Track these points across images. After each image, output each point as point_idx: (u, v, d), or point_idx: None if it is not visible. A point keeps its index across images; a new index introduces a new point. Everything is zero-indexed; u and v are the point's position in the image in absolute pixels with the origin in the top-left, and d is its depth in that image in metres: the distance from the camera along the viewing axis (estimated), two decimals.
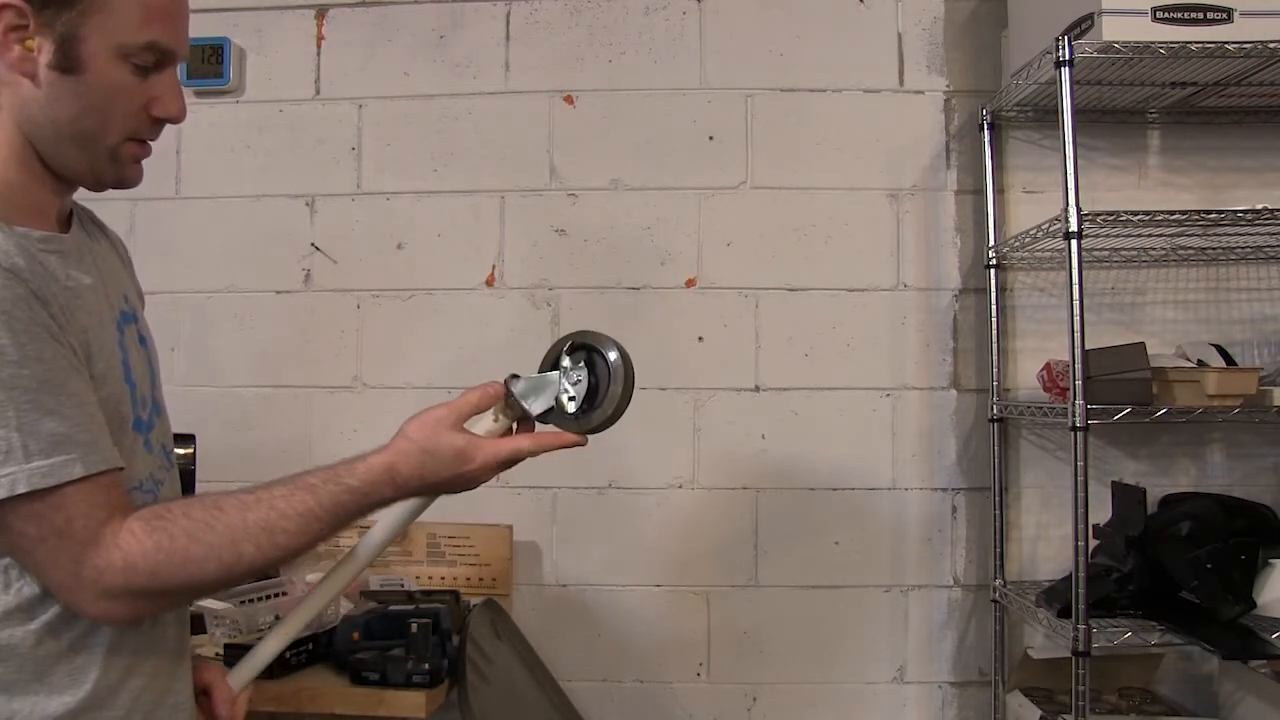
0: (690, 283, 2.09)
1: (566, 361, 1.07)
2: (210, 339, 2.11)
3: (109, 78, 0.94)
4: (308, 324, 2.12)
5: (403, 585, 1.87)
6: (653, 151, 2.10)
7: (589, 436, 1.06)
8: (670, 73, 2.11)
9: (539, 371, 1.08)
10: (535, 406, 1.05)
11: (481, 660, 1.69)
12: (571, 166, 2.11)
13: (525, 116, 2.11)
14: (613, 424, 1.05)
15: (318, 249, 2.13)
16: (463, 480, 1.02)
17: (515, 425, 1.07)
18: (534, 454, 1.04)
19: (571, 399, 1.05)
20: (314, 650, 1.70)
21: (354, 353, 2.12)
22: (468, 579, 2.01)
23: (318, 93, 2.14)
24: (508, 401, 1.05)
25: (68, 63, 0.92)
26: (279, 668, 1.61)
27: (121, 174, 1.00)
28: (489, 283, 2.11)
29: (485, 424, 1.05)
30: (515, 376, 1.07)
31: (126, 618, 0.94)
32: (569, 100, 2.12)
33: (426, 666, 1.61)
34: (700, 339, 2.08)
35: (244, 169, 2.14)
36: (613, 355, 1.06)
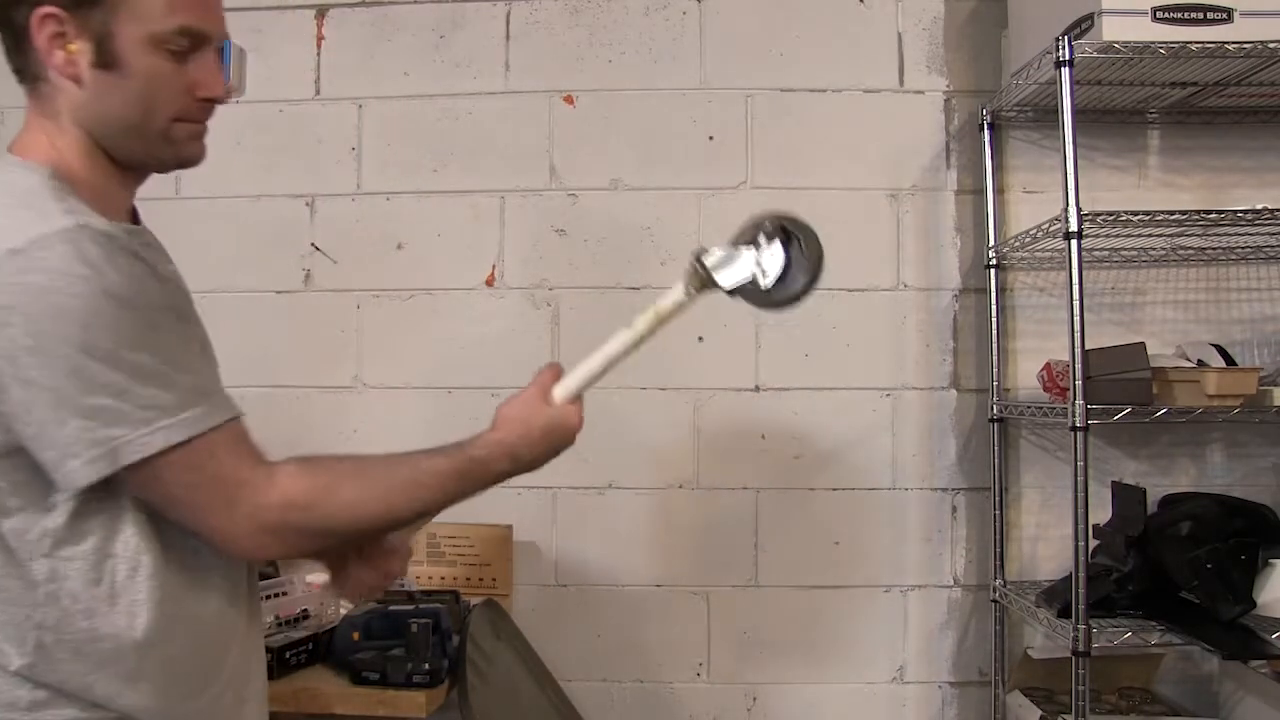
0: None
1: (763, 240, 1.15)
2: (210, 339, 2.11)
3: (146, 67, 0.98)
4: (308, 324, 2.12)
5: (403, 585, 1.87)
6: (653, 151, 2.10)
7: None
8: (670, 73, 2.11)
9: (731, 245, 1.16)
10: (725, 280, 1.15)
11: (481, 660, 1.69)
12: (571, 166, 2.11)
13: (525, 116, 2.11)
14: (797, 303, 1.14)
15: (318, 249, 2.13)
16: (561, 445, 1.14)
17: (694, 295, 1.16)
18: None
19: (765, 274, 1.14)
20: (314, 650, 1.70)
21: (354, 353, 2.12)
22: (468, 579, 2.01)
23: (318, 93, 2.14)
24: (698, 274, 1.15)
25: (106, 59, 0.97)
26: (279, 667, 1.61)
27: (179, 153, 1.05)
28: (489, 283, 2.11)
29: (674, 295, 1.16)
30: (705, 250, 1.15)
31: (280, 554, 1.04)
32: (569, 100, 2.12)
33: (426, 666, 1.61)
34: (700, 339, 2.08)
35: (244, 169, 2.14)
36: (806, 237, 1.15)
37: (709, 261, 1.14)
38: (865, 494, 2.06)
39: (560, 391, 1.16)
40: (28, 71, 1.00)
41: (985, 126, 2.02)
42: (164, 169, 1.07)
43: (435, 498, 1.07)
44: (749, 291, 1.15)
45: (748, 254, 1.15)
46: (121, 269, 0.91)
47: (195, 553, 1.00)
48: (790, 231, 1.15)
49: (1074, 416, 1.62)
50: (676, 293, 1.16)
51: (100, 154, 1.01)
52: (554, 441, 1.13)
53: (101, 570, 0.94)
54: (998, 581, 1.97)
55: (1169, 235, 1.86)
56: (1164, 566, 1.71)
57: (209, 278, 2.14)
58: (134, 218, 1.09)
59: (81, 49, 0.97)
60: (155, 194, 2.30)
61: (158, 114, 1.01)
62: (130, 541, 0.96)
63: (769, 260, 1.14)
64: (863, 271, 2.07)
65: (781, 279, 1.14)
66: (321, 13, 2.15)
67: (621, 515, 2.07)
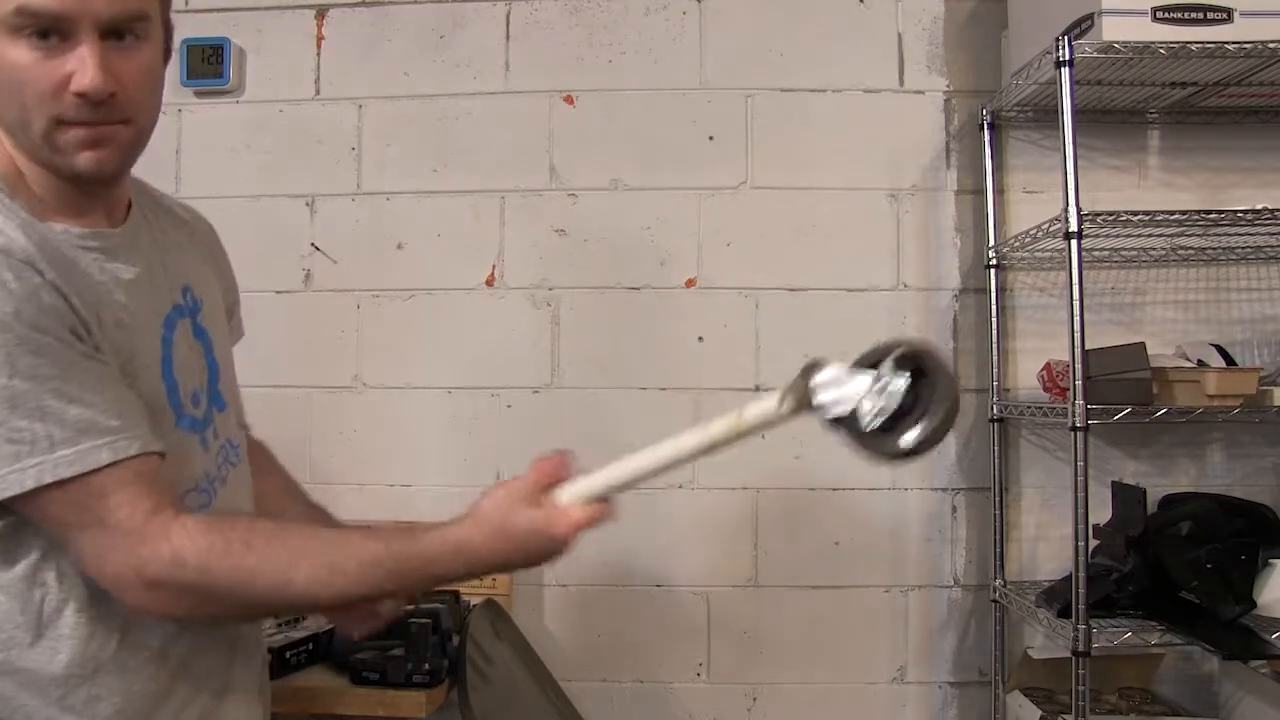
0: (690, 283, 2.09)
1: (887, 368, 0.90)
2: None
3: (8, 58, 0.87)
4: (308, 324, 2.12)
5: None
6: (653, 151, 2.10)
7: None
8: (670, 73, 2.11)
9: (855, 365, 0.92)
10: (825, 399, 0.92)
11: (481, 660, 1.69)
12: (571, 166, 2.11)
13: (525, 116, 2.11)
14: (906, 459, 0.90)
15: (318, 249, 2.13)
16: (540, 555, 0.98)
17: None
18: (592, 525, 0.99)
19: (875, 413, 0.90)
20: (314, 650, 1.70)
21: (354, 353, 2.12)
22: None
23: (318, 93, 2.14)
24: (803, 387, 0.94)
25: None
26: (279, 667, 1.61)
27: (70, 164, 0.91)
28: (489, 283, 2.11)
29: (764, 406, 0.94)
30: (816, 363, 0.94)
31: (166, 613, 0.91)
32: (569, 100, 2.12)
33: (426, 666, 1.61)
34: (700, 339, 2.08)
35: (244, 169, 2.14)
36: (942, 385, 0.88)
37: (817, 379, 0.93)
38: (865, 494, 2.06)
39: (568, 494, 0.99)
40: None
41: (985, 126, 2.02)
42: (69, 180, 0.93)
43: (354, 588, 0.93)
44: (853, 430, 0.92)
45: (861, 380, 0.91)
46: (4, 286, 0.83)
47: None
48: (924, 370, 0.90)
49: (1074, 416, 1.62)
50: (768, 404, 0.96)
51: (27, 155, 0.93)
52: (530, 550, 0.96)
53: (30, 599, 0.89)
54: (998, 581, 1.97)
55: (1169, 235, 1.86)
56: (1164, 566, 1.71)
57: None
58: (124, 217, 1.01)
59: None
60: None
61: (32, 112, 0.89)
62: (65, 570, 0.90)
63: (883, 396, 0.89)
64: (863, 271, 2.07)
65: (893, 425, 0.89)
66: (321, 13, 2.15)
67: (622, 515, 2.06)
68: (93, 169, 0.92)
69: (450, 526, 0.96)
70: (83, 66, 0.87)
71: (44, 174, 0.93)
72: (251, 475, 1.17)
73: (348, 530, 0.98)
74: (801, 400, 0.94)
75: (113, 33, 0.89)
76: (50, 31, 0.87)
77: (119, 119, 0.92)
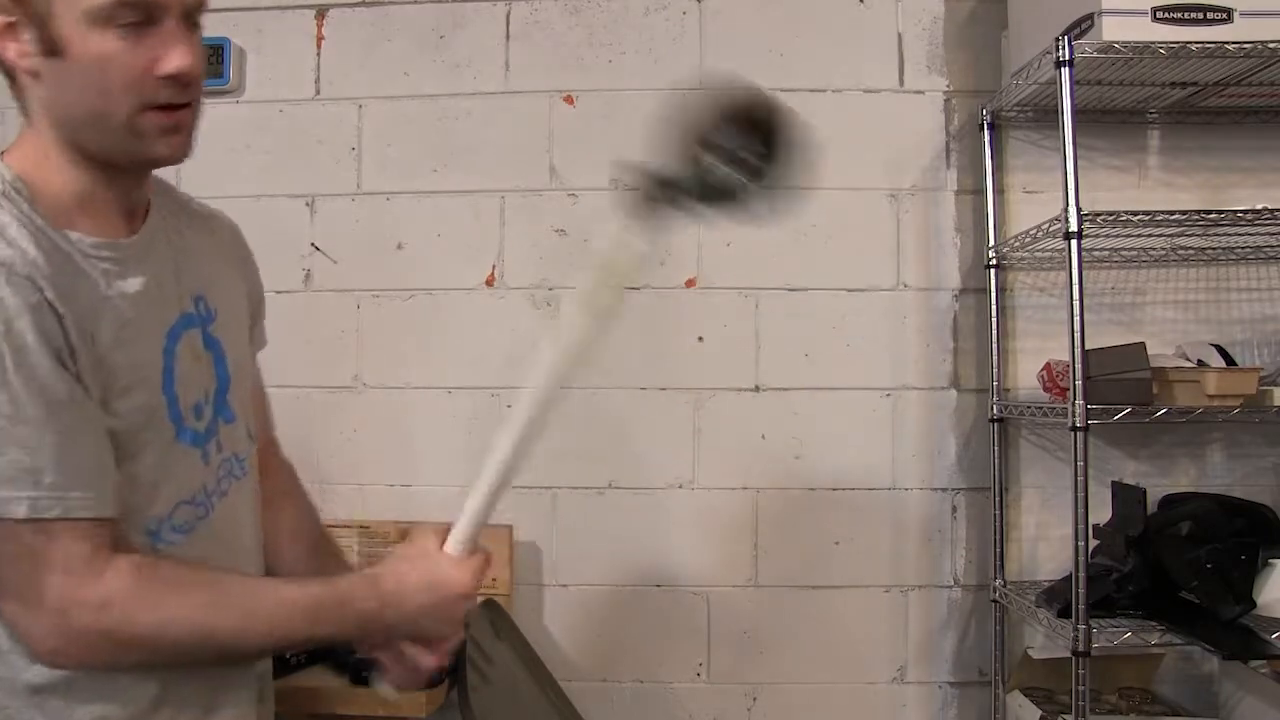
0: (690, 283, 2.09)
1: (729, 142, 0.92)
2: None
3: (91, 49, 0.87)
4: (308, 324, 2.12)
5: None
6: (653, 151, 2.10)
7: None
8: (670, 73, 2.11)
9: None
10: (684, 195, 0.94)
11: (481, 660, 1.69)
12: (571, 166, 2.11)
13: (525, 116, 2.11)
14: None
15: (318, 249, 2.13)
16: (448, 597, 1.02)
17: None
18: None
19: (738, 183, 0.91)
20: (314, 650, 1.70)
21: (354, 353, 2.12)
22: None
23: (318, 93, 2.14)
24: (650, 194, 0.92)
25: (52, 45, 0.87)
26: (279, 667, 1.61)
27: (147, 150, 0.92)
28: (489, 283, 2.11)
29: (618, 231, 0.92)
30: (642, 166, 0.93)
31: (79, 662, 0.89)
32: (569, 100, 2.12)
33: None
34: (700, 339, 2.08)
35: (244, 169, 2.14)
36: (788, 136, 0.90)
37: (652, 174, 0.90)
38: (865, 494, 2.06)
39: (450, 543, 1.03)
40: (4, 71, 0.92)
41: (985, 126, 2.02)
42: (138, 167, 0.96)
43: (274, 630, 0.94)
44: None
45: (710, 169, 0.92)
46: (0, 301, 0.82)
47: None
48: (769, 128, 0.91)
49: (1074, 416, 1.62)
50: (627, 242, 0.95)
51: (72, 152, 0.92)
52: (437, 595, 1.00)
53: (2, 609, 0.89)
54: (998, 581, 1.97)
55: (1169, 235, 1.86)
56: (1164, 566, 1.71)
57: None
58: (141, 221, 1.00)
59: (31, 38, 0.88)
60: None
61: (117, 102, 0.89)
62: None
63: (736, 168, 0.91)
64: (863, 271, 2.07)
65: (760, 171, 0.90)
66: (321, 13, 2.15)
67: (621, 515, 2.07)
68: (170, 154, 0.94)
69: (369, 569, 1.02)
70: (174, 50, 0.89)
71: (78, 172, 0.93)
72: (274, 498, 1.18)
73: (273, 580, 1.02)
74: (651, 201, 0.95)
75: (187, 18, 0.92)
76: (138, 19, 0.88)
77: (192, 100, 0.94)
